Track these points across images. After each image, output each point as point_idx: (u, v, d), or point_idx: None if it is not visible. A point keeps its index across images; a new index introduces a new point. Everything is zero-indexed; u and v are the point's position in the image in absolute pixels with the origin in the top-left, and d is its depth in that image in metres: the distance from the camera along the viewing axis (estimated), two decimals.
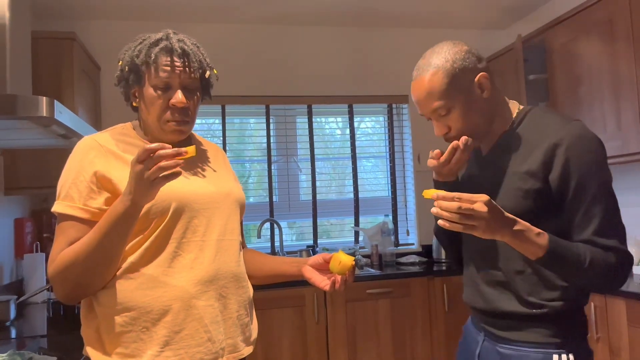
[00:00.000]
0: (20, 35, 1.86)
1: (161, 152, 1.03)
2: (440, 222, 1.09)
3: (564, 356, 1.21)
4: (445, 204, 1.08)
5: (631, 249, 2.63)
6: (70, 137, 1.86)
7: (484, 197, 1.08)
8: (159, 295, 1.16)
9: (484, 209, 1.07)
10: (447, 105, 1.24)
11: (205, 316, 1.19)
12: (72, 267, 1.13)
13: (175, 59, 1.22)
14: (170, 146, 1.06)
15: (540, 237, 1.14)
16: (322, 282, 1.34)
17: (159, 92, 1.22)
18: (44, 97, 1.51)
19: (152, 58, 1.21)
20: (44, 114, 1.51)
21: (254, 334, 1.34)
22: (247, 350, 1.29)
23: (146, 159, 1.03)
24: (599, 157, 1.20)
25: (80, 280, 1.15)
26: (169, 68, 1.22)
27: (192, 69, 1.24)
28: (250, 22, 3.60)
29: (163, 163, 1.03)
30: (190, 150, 1.08)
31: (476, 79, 1.26)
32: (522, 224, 1.13)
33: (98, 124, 3.23)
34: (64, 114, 1.63)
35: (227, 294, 1.25)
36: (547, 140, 1.21)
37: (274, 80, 3.64)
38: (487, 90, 1.27)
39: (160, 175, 1.04)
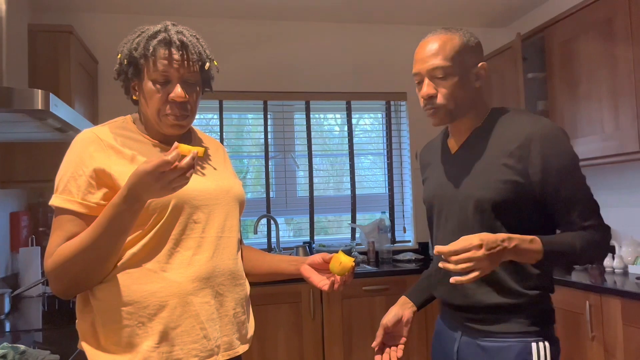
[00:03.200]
0: (16, 28, 1.85)
1: (183, 164, 1.04)
2: (452, 280, 1.15)
3: (541, 344, 1.28)
4: (451, 267, 1.13)
5: (628, 248, 2.64)
6: (67, 130, 1.85)
7: (474, 241, 1.12)
8: (155, 291, 1.16)
9: (482, 252, 1.12)
10: (448, 70, 1.29)
11: (202, 313, 1.19)
12: (70, 262, 1.12)
13: (174, 51, 1.21)
14: (187, 148, 1.06)
15: (534, 243, 1.20)
16: (321, 282, 1.34)
17: (158, 86, 1.21)
18: (40, 90, 1.51)
19: (150, 51, 1.20)
20: (40, 107, 1.50)
21: (250, 331, 1.34)
22: (243, 348, 1.29)
23: (167, 169, 1.03)
24: (570, 147, 1.28)
25: (79, 275, 1.14)
26: (166, 61, 1.20)
27: (191, 62, 1.23)
28: (249, 17, 3.58)
29: (188, 173, 1.06)
30: (200, 151, 1.10)
31: (478, 66, 1.34)
32: (516, 238, 1.19)
33: (95, 118, 3.22)
34: (59, 107, 1.62)
35: (224, 291, 1.24)
36: (520, 136, 1.28)
37: (272, 75, 3.63)
38: (481, 80, 1.35)
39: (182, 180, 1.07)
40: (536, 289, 1.30)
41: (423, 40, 1.34)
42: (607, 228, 1.31)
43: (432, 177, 1.47)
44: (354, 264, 1.31)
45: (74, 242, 1.13)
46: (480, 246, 1.12)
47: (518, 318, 1.29)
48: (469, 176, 1.34)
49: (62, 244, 1.14)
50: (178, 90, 1.21)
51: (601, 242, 1.28)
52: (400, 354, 1.43)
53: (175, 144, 1.06)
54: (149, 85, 1.21)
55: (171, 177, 1.04)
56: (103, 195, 1.17)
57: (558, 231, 1.33)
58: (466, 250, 1.12)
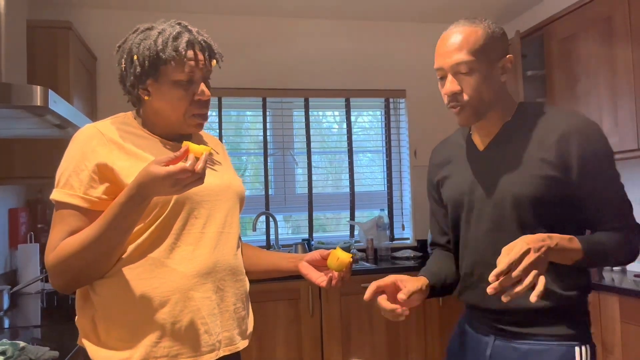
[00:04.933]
0: (15, 24, 1.85)
1: (199, 169, 1.05)
2: (533, 298, 1.03)
3: (583, 348, 1.22)
4: (519, 289, 1.03)
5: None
6: (65, 127, 1.85)
7: (521, 245, 1.05)
8: (156, 286, 1.16)
9: (534, 255, 1.04)
10: (472, 64, 1.20)
11: (203, 308, 1.19)
12: (74, 257, 1.11)
13: (198, 52, 1.21)
14: (198, 148, 1.07)
15: (573, 242, 1.15)
16: (319, 278, 1.34)
17: (184, 86, 1.20)
18: (38, 86, 1.51)
19: (182, 53, 1.18)
20: (38, 103, 1.50)
21: (250, 327, 1.34)
22: (243, 343, 1.29)
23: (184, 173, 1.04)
24: (607, 143, 1.23)
25: (82, 270, 1.13)
26: (193, 63, 1.20)
27: (212, 61, 1.24)
28: (247, 14, 3.58)
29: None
30: (209, 150, 1.10)
31: (503, 59, 1.25)
32: (555, 236, 1.13)
33: (94, 114, 3.21)
34: (58, 104, 1.62)
35: (225, 286, 1.24)
36: (558, 130, 1.22)
37: (271, 73, 3.62)
38: (507, 74, 1.27)
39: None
40: (575, 289, 1.24)
41: (445, 33, 1.25)
42: (639, 229, 1.26)
43: (457, 176, 1.37)
44: (351, 259, 1.30)
45: (78, 237, 1.12)
46: (528, 250, 1.04)
47: (560, 320, 1.23)
48: (505, 173, 1.26)
49: (64, 239, 1.14)
50: (205, 89, 1.22)
51: (632, 243, 1.24)
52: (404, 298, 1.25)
53: (185, 144, 1.07)
54: (174, 86, 1.20)
55: (188, 181, 1.05)
56: (105, 190, 1.16)
57: (587, 231, 1.28)
58: (519, 261, 1.03)
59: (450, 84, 1.23)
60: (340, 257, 1.30)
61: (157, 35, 1.20)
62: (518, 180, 1.23)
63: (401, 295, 1.22)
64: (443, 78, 1.26)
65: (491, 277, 1.03)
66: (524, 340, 1.24)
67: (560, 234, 1.16)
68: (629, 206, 1.25)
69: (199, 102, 1.23)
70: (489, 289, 1.03)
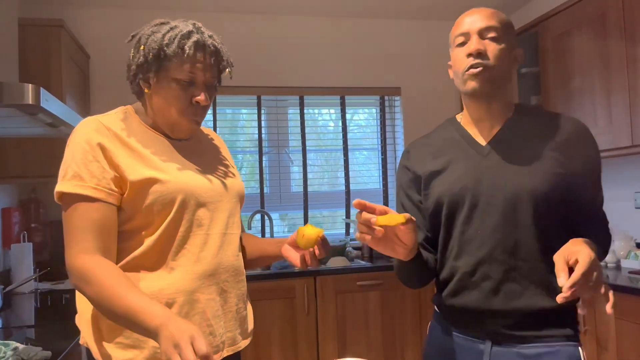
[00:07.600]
0: (6, 22, 1.83)
1: None
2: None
3: (580, 348, 1.22)
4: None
5: (620, 242, 2.65)
6: (58, 125, 1.83)
7: (587, 253, 1.03)
8: (163, 288, 1.15)
9: (596, 264, 1.04)
10: (501, 33, 1.23)
11: (208, 310, 1.19)
12: (90, 296, 1.08)
13: (207, 56, 1.20)
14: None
15: (591, 245, 1.13)
16: (297, 259, 1.31)
17: (183, 86, 1.19)
18: (30, 85, 1.49)
19: (187, 52, 1.16)
20: (30, 102, 1.48)
21: (251, 325, 1.35)
22: (244, 342, 1.30)
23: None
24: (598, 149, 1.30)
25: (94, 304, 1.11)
26: (197, 64, 1.19)
27: (219, 68, 1.24)
28: (242, 12, 3.56)
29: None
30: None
31: (516, 49, 1.28)
32: (583, 241, 1.12)
33: (87, 113, 3.19)
34: (50, 102, 1.60)
35: (228, 287, 1.24)
36: (563, 132, 1.24)
37: (265, 70, 3.61)
38: (517, 64, 1.29)
39: None
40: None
41: (470, 10, 1.29)
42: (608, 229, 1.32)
43: (456, 170, 1.28)
44: (319, 234, 1.21)
45: (97, 288, 1.06)
46: (594, 259, 1.03)
47: (565, 320, 1.21)
48: (516, 168, 1.22)
49: (93, 239, 1.09)
50: (204, 95, 1.21)
51: (609, 232, 1.30)
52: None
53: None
54: (173, 84, 1.19)
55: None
56: (114, 182, 1.14)
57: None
58: (590, 272, 1.02)
59: (477, 43, 1.21)
60: (305, 233, 1.20)
61: (168, 31, 1.19)
62: (532, 175, 1.20)
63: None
64: (463, 43, 1.25)
65: (565, 288, 0.99)
66: (529, 344, 1.19)
67: (567, 228, 1.21)
68: (602, 202, 1.30)
69: (195, 107, 1.21)
70: (560, 298, 0.99)
